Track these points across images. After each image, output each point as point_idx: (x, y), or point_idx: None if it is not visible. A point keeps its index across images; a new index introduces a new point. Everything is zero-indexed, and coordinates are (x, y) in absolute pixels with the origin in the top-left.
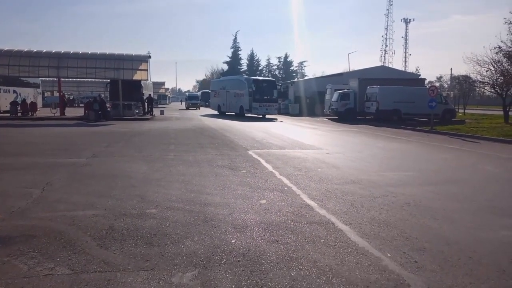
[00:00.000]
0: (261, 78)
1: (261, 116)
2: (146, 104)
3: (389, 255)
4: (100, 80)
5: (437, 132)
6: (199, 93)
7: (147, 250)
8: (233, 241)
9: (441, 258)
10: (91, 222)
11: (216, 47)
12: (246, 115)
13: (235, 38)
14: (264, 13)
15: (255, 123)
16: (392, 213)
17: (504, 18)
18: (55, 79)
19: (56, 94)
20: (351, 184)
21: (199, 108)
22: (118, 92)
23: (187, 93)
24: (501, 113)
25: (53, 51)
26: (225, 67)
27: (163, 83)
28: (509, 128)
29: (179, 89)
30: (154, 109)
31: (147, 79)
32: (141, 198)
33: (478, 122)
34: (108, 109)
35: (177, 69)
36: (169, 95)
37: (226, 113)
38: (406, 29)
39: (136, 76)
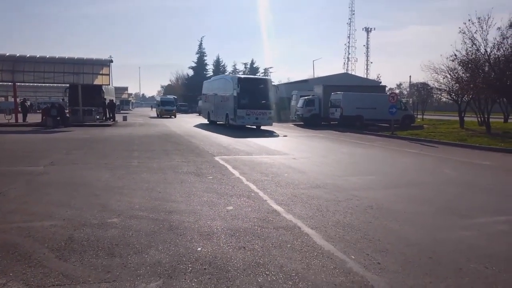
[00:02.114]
0: (250, 76)
1: (254, 127)
2: (107, 109)
3: (353, 257)
4: (60, 84)
5: (398, 137)
6: (158, 99)
7: (109, 261)
8: (199, 248)
9: (403, 259)
10: (49, 233)
11: (182, 52)
12: (236, 124)
13: (201, 43)
14: (230, 19)
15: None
16: (356, 216)
17: (459, 28)
18: (9, 83)
19: (11, 99)
20: (317, 189)
21: (175, 116)
22: (78, 97)
23: (159, 97)
24: (457, 118)
25: (7, 54)
26: (191, 72)
27: (126, 88)
28: (465, 133)
29: (143, 94)
30: (116, 115)
31: (109, 84)
32: (102, 207)
33: (435, 127)
34: (67, 115)
35: (141, 74)
36: (133, 101)
37: (217, 123)
38: (367, 37)
39: (97, 81)
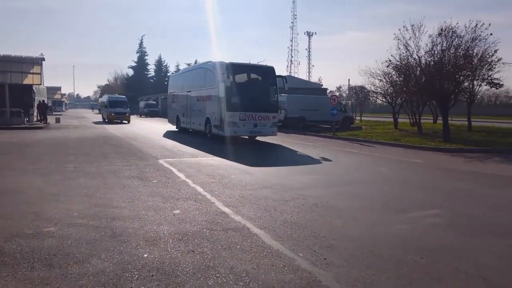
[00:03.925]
0: (245, 63)
1: (246, 136)
2: (38, 111)
3: (301, 254)
4: None
5: (339, 138)
6: (104, 99)
7: (47, 272)
8: (145, 255)
9: (347, 254)
10: None
11: (121, 51)
12: (224, 135)
13: (141, 42)
14: (174, 17)
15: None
16: (303, 215)
17: (394, 34)
18: None
19: None
20: (264, 189)
21: (129, 121)
22: (5, 98)
23: (104, 96)
24: (392, 119)
25: None
26: (130, 72)
27: (59, 88)
28: (399, 133)
29: (77, 94)
30: (48, 117)
31: (40, 84)
32: (36, 216)
33: (372, 128)
34: None
35: (76, 73)
36: (66, 101)
37: (190, 130)
38: (309, 41)
39: (27, 81)
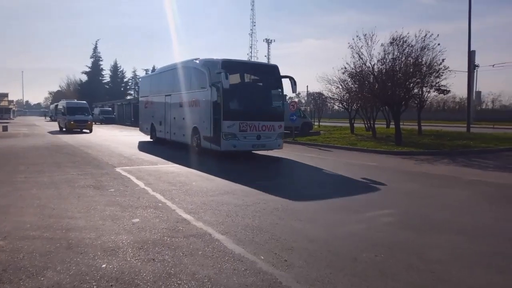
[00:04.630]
0: (244, 60)
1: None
2: None
3: (262, 257)
4: None
5: (298, 143)
6: (52, 107)
7: None
8: (103, 265)
9: (306, 255)
10: None
11: (74, 56)
12: (220, 150)
13: (96, 47)
14: (130, 22)
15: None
16: (264, 219)
17: (348, 43)
18: None
19: None
20: (225, 195)
21: (91, 130)
22: None
23: (61, 102)
24: (348, 125)
25: None
26: (84, 77)
27: (5, 95)
28: (355, 138)
29: (27, 101)
30: None
31: None
32: None
33: (330, 133)
34: None
35: (25, 78)
36: (14, 109)
37: (168, 140)
38: (268, 48)
39: None
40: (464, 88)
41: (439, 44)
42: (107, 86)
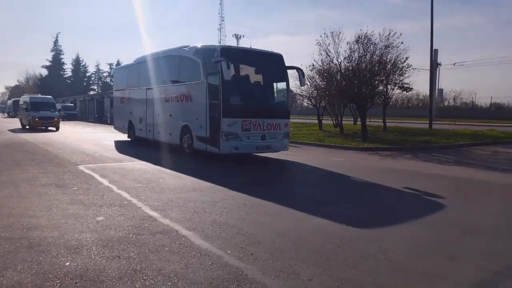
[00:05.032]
0: (245, 47)
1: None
2: None
3: (229, 252)
4: None
5: None
6: (9, 102)
7: None
8: (67, 263)
9: (273, 248)
10: None
11: (33, 49)
12: (220, 153)
13: (56, 40)
14: (94, 14)
15: None
16: (231, 215)
17: (316, 40)
18: None
19: None
20: (193, 192)
21: (57, 128)
22: None
23: (23, 97)
24: (316, 121)
25: None
26: (44, 72)
27: None
28: (323, 134)
29: None
30: None
31: None
32: None
33: (299, 129)
34: None
35: None
36: None
37: (150, 140)
38: (237, 44)
39: None
40: (428, 86)
41: (402, 43)
42: (69, 81)
